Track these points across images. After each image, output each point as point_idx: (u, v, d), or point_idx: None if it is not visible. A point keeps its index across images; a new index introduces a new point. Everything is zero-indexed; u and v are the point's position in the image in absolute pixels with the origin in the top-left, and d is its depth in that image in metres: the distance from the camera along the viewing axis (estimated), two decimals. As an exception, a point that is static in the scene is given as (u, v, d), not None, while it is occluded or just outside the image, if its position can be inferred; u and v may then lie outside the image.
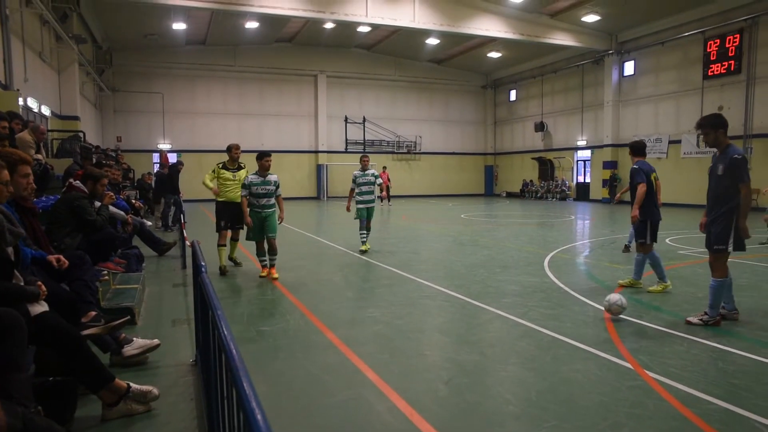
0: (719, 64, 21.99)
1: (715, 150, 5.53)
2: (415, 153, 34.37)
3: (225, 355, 1.83)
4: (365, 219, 10.42)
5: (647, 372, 4.07)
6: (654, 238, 6.80)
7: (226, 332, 2.03)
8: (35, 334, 2.94)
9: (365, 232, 10.53)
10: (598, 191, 28.22)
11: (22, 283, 3.22)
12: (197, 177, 25.39)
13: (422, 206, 25.43)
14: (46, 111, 15.34)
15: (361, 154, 11.47)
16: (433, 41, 28.13)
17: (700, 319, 5.34)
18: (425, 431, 3.21)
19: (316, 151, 32.01)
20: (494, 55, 30.51)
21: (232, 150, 8.47)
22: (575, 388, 3.87)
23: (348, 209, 10.79)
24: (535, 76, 32.25)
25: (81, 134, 14.58)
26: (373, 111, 33.36)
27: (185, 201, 15.48)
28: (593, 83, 28.44)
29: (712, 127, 5.32)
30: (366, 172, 10.54)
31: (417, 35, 26.55)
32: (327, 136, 32.17)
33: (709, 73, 22.42)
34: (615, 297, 5.54)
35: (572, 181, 30.71)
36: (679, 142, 23.79)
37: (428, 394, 3.78)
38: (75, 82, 18.80)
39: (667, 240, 11.80)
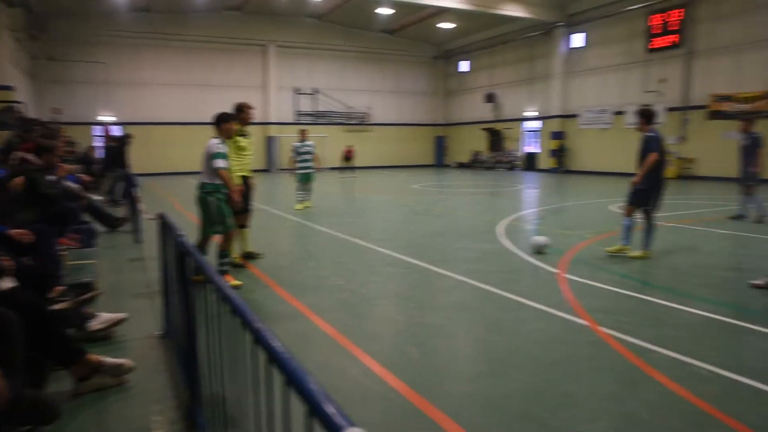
0: (662, 38, 22.78)
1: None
2: (366, 124, 34.22)
3: (235, 309, 1.83)
4: (303, 182, 12.50)
5: (602, 328, 4.34)
6: (656, 206, 6.99)
7: (228, 291, 2.00)
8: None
9: (302, 192, 12.55)
10: (546, 161, 29.00)
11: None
12: (143, 150, 24.87)
13: (375, 177, 25.51)
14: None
15: (302, 128, 13.34)
16: (385, 11, 27.81)
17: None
18: (402, 391, 3.34)
19: (267, 123, 31.41)
20: (446, 25, 30.48)
21: (245, 110, 6.60)
22: (538, 346, 4.10)
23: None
24: (486, 48, 32.49)
25: (18, 105, 13.76)
26: (323, 82, 32.85)
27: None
28: (543, 55, 28.92)
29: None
30: (305, 143, 12.44)
31: (369, 4, 26.19)
32: (277, 108, 31.57)
33: (651, 46, 23.21)
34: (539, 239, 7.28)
35: (520, 151, 31.41)
36: (623, 113, 24.64)
37: (401, 357, 3.92)
38: (4, 50, 17.60)
39: (610, 207, 12.34)
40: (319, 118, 32.68)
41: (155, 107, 28.51)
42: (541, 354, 3.93)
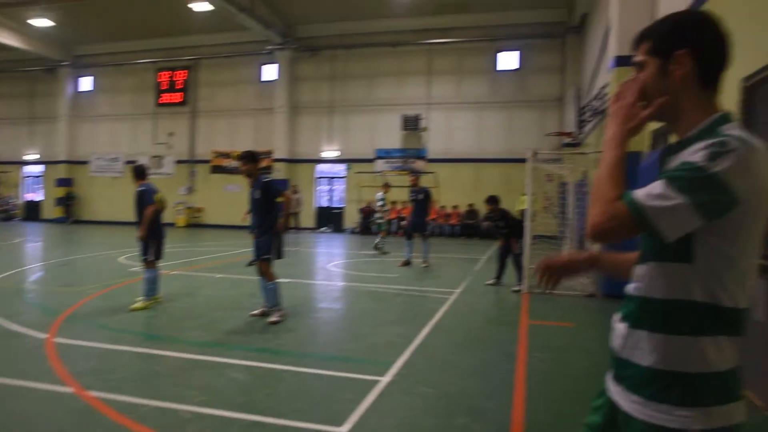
0: (170, 94, 24.32)
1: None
2: None
3: None
4: None
5: (89, 392, 4.13)
6: (160, 255, 7.25)
7: None
8: None
9: None
10: (51, 210, 26.25)
11: None
12: None
13: None
14: None
15: None
16: None
17: (280, 317, 6.45)
18: None
19: None
20: None
21: None
22: (11, 428, 3.57)
23: None
24: (-30, 74, 27.36)
25: None
26: None
27: None
28: (47, 93, 26.39)
29: (250, 159, 6.60)
30: None
31: None
32: None
33: (160, 101, 24.46)
34: None
35: (20, 198, 27.50)
36: (135, 162, 24.75)
37: None
38: None
39: (119, 258, 12.16)
40: None
41: None
42: (11, 438, 3.44)
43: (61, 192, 25.67)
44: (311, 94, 22.80)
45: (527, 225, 8.91)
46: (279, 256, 6.63)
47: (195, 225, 23.28)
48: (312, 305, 7.89)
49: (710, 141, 1.29)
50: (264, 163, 23.01)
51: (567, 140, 17.74)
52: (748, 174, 1.25)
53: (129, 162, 24.86)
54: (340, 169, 22.96)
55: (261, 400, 4.08)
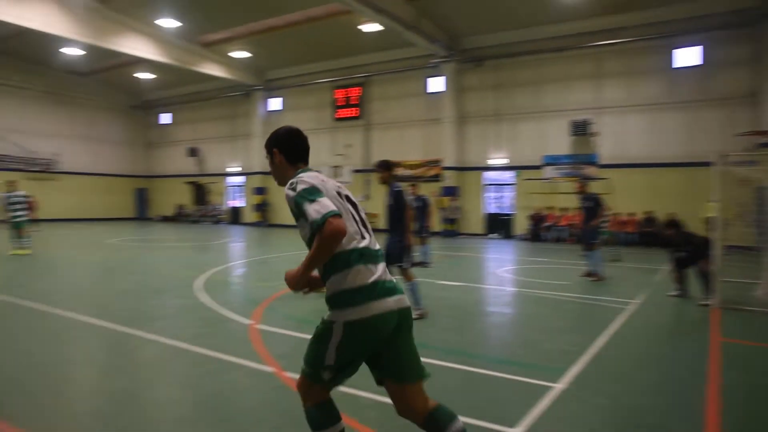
0: (346, 110, 26.27)
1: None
2: (53, 172, 29.97)
3: None
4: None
5: (286, 372, 4.72)
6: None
7: None
8: None
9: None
10: (250, 215, 29.78)
11: None
12: None
13: (65, 231, 22.43)
14: None
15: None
16: (73, 51, 25.23)
17: (418, 314, 6.58)
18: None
19: None
20: (145, 76, 29.32)
21: None
22: (226, 396, 4.23)
23: None
24: (189, 102, 32.26)
25: None
26: (-2, 121, 27.88)
27: None
28: (244, 114, 30.10)
29: (385, 168, 6.85)
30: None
31: (51, 40, 23.45)
32: None
33: (338, 116, 26.49)
34: None
35: (225, 205, 31.64)
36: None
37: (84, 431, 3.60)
38: None
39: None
40: (-10, 162, 27.42)
41: None
42: (231, 406, 4.07)
43: (257, 199, 29.04)
44: (477, 103, 22.88)
45: (716, 235, 7.95)
46: (413, 262, 6.85)
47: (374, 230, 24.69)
48: (481, 308, 7.97)
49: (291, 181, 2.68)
50: (432, 172, 23.65)
51: (765, 140, 15.51)
52: (307, 185, 2.62)
53: (312, 172, 27.35)
54: (508, 176, 22.67)
55: (432, 394, 4.29)
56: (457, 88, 22.97)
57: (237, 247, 17.94)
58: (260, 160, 29.00)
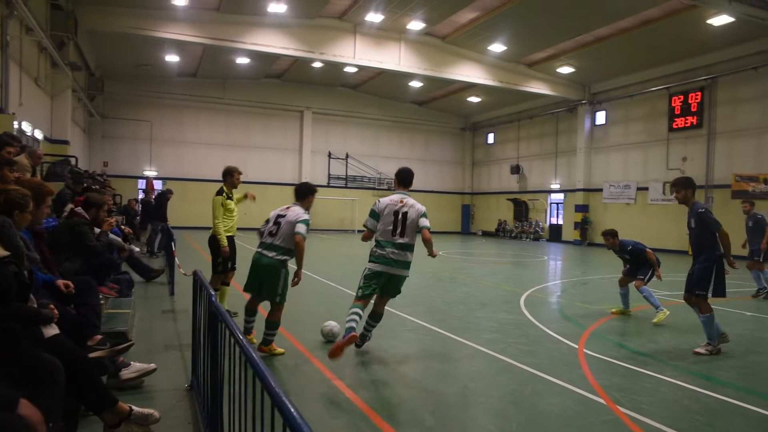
0: (683, 119, 23.18)
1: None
2: (385, 189, 35.01)
3: (256, 373, 2.03)
4: None
5: (619, 407, 4.36)
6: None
7: (250, 350, 2.22)
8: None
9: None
10: (570, 233, 28.99)
11: (36, 306, 3.39)
12: (181, 205, 25.75)
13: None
14: (38, 135, 15.35)
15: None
16: (416, 84, 29.10)
17: (706, 350, 6.13)
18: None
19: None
20: (474, 99, 31.62)
21: (234, 174, 7.07)
22: (553, 421, 4.13)
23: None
24: (512, 121, 33.38)
25: (73, 159, 14.76)
26: (356, 147, 34.11)
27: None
28: (567, 130, 29.55)
29: (683, 186, 6.26)
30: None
31: (401, 77, 27.35)
32: (311, 170, 32.63)
33: (674, 126, 23.58)
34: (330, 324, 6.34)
35: (545, 222, 31.53)
36: (646, 189, 24.76)
37: (415, 424, 4.00)
38: (67, 108, 18.92)
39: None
40: (350, 182, 33.75)
41: (194, 164, 30.09)
42: (556, 430, 3.96)
43: (578, 217, 28.13)
44: None
45: None
46: (717, 293, 6.09)
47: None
48: None
49: None
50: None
51: None
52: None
53: (640, 189, 25.05)
54: None
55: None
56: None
57: (556, 266, 17.64)
58: (583, 176, 28.05)
